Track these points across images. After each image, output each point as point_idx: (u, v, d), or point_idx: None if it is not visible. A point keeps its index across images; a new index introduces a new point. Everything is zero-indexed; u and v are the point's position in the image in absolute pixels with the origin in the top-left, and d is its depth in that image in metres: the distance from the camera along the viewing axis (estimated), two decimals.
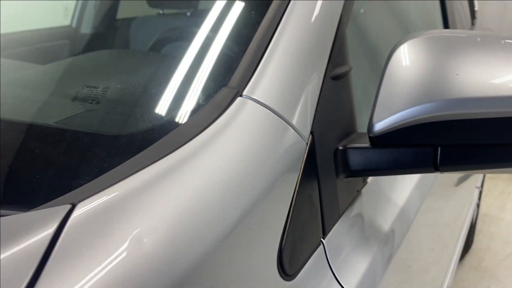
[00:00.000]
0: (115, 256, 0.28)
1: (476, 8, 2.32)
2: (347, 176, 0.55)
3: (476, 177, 1.39)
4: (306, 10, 0.56)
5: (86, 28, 1.91)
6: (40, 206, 0.31)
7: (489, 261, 2.42)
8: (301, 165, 0.47)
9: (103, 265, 0.27)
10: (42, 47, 1.67)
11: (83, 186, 0.33)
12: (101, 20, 1.92)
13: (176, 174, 0.35)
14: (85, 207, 0.30)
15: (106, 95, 0.51)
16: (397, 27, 1.11)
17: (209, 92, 0.46)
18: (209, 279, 0.33)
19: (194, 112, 0.44)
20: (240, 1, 0.77)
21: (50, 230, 0.28)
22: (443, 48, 0.52)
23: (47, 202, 0.31)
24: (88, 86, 0.53)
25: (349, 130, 0.58)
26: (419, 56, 0.51)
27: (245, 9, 0.71)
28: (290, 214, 0.44)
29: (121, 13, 1.79)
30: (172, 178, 0.34)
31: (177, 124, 0.42)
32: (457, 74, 0.48)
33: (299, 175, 0.46)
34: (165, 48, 0.86)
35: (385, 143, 0.51)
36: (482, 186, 2.71)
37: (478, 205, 2.46)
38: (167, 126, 0.44)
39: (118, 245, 0.28)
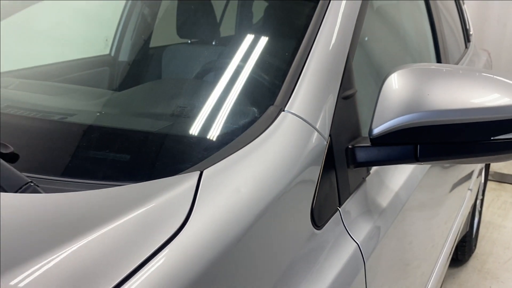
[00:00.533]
0: (230, 198, 0.50)
1: (470, 32, 2.53)
2: (355, 167, 0.77)
3: (467, 179, 1.59)
4: (326, 42, 0.80)
5: (124, 56, 2.15)
6: (182, 172, 0.54)
7: (491, 264, 2.58)
8: (323, 158, 0.69)
9: (224, 205, 0.50)
10: (87, 73, 1.91)
11: (203, 161, 0.56)
12: (137, 49, 2.17)
13: (250, 157, 0.58)
14: (208, 173, 0.53)
15: (191, 112, 0.74)
16: (394, 54, 1.34)
17: (261, 109, 0.69)
18: (276, 220, 0.55)
19: (252, 122, 0.67)
20: (261, 35, 1.01)
21: (193, 182, 0.51)
22: (421, 77, 0.74)
23: (182, 170, 0.54)
24: (179, 106, 0.76)
25: (355, 134, 0.80)
26: (405, 82, 0.74)
27: (273, 41, 0.95)
28: (317, 189, 0.66)
29: (154, 42, 2.04)
30: (250, 159, 0.57)
31: (244, 130, 0.65)
32: (428, 94, 0.70)
33: (322, 164, 0.69)
34: (210, 75, 1.08)
35: (380, 143, 0.73)
36: (483, 195, 2.89)
37: (477, 209, 2.64)
38: (236, 132, 0.66)
39: (230, 193, 0.51)
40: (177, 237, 0.45)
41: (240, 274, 0.50)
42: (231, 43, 1.46)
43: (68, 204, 0.51)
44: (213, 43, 1.80)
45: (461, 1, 2.45)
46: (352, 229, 0.70)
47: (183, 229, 0.46)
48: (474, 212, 2.40)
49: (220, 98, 0.75)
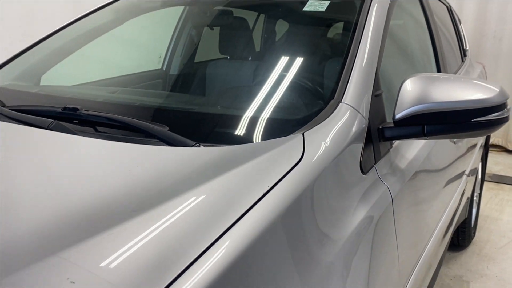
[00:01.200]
0: (320, 147, 0.90)
1: (467, 48, 2.93)
2: (383, 141, 1.15)
3: (465, 164, 1.97)
4: (363, 58, 1.20)
5: (174, 70, 2.54)
6: (295, 133, 0.93)
7: (489, 249, 2.95)
8: (365, 133, 1.08)
9: (318, 150, 0.89)
10: (145, 85, 2.30)
11: (301, 129, 0.95)
12: (184, 64, 2.55)
13: (325, 129, 0.97)
14: (306, 134, 0.92)
15: (290, 106, 1.16)
16: (405, 65, 1.75)
17: (325, 102, 1.09)
18: (344, 162, 0.95)
19: (319, 112, 1.06)
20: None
21: (300, 137, 0.90)
22: (426, 81, 1.13)
23: (294, 132, 0.94)
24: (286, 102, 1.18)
25: (383, 120, 1.19)
26: (415, 84, 1.13)
27: (325, 58, 1.36)
28: (362, 152, 1.05)
29: (198, 58, 2.44)
30: (324, 130, 0.97)
31: (318, 114, 1.04)
32: (431, 92, 1.09)
33: (364, 137, 1.08)
34: (276, 81, 1.47)
35: (400, 124, 1.12)
36: (481, 189, 3.26)
37: (475, 201, 3.01)
38: (313, 115, 1.05)
39: (320, 145, 0.91)
40: (298, 165, 0.84)
41: (330, 186, 0.89)
42: (283, 55, 1.78)
43: (226, 152, 0.90)
44: (249, 58, 2.20)
45: (457, 22, 2.86)
46: (383, 178, 1.09)
47: (301, 160, 0.85)
48: (472, 202, 2.76)
49: (298, 94, 1.16)
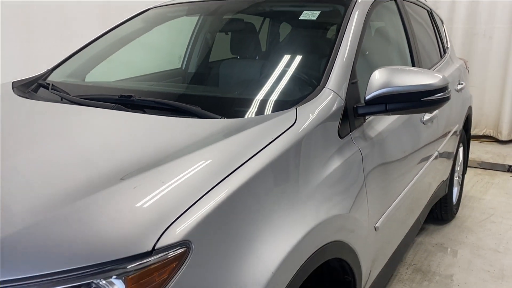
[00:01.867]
0: (309, 116, 1.30)
1: (447, 46, 3.31)
2: (357, 116, 1.54)
3: (434, 143, 2.36)
4: (344, 54, 1.60)
5: (191, 69, 2.94)
6: (290, 108, 1.32)
7: (469, 223, 3.33)
8: (342, 110, 1.48)
9: (309, 117, 1.28)
10: (166, 83, 2.68)
11: (296, 105, 1.34)
12: (200, 63, 2.94)
13: (312, 105, 1.37)
14: (299, 108, 1.32)
15: (287, 87, 1.57)
16: (382, 60, 2.15)
17: (313, 87, 1.49)
18: (326, 128, 1.35)
19: (308, 94, 1.46)
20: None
21: (294, 111, 1.29)
22: (390, 72, 1.52)
23: (290, 108, 1.33)
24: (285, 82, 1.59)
25: (357, 100, 1.59)
26: (382, 74, 1.52)
27: (312, 53, 1.77)
28: (340, 123, 1.45)
29: (212, 58, 2.83)
30: (312, 106, 1.36)
31: (308, 95, 1.44)
32: (392, 79, 1.48)
33: (341, 113, 1.47)
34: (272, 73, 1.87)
35: (369, 104, 1.51)
36: (464, 172, 3.63)
37: (457, 181, 3.38)
38: (304, 97, 1.45)
39: (309, 114, 1.30)
40: (291, 127, 1.25)
41: (314, 143, 1.29)
42: (282, 54, 2.14)
43: (243, 120, 1.31)
44: (256, 57, 2.60)
45: (439, 24, 3.24)
46: (356, 142, 1.49)
47: (294, 124, 1.26)
48: (452, 181, 3.13)
49: (293, 82, 1.56)
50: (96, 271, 0.76)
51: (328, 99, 1.46)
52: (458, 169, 3.37)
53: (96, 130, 1.41)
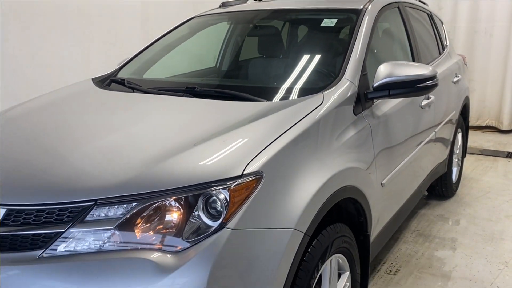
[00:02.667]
0: (332, 98, 1.78)
1: (446, 43, 3.77)
2: (368, 99, 2.01)
3: (430, 125, 2.84)
4: (357, 52, 2.09)
5: (224, 67, 3.43)
6: (317, 93, 1.81)
7: (467, 199, 3.79)
8: (356, 95, 1.96)
9: (332, 99, 1.76)
10: (202, 80, 3.16)
11: (322, 90, 1.83)
12: (231, 62, 3.42)
13: (334, 90, 1.85)
14: (325, 93, 1.81)
15: (315, 79, 2.06)
16: (388, 56, 2.63)
17: (334, 77, 1.98)
18: (344, 106, 1.84)
19: (331, 83, 1.95)
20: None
21: (321, 95, 1.78)
22: (393, 65, 1.99)
23: (317, 93, 1.81)
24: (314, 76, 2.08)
25: (367, 88, 2.05)
26: (386, 67, 1.99)
27: (332, 52, 2.26)
28: (354, 104, 1.92)
29: (242, 57, 3.32)
30: (334, 91, 1.83)
31: (331, 83, 1.92)
32: (394, 71, 1.95)
33: (355, 98, 1.95)
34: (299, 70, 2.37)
35: (376, 90, 1.98)
36: (464, 156, 4.08)
37: (456, 162, 3.84)
38: (327, 84, 1.93)
39: (334, 97, 1.79)
40: (319, 106, 1.73)
41: (334, 117, 1.78)
42: (309, 52, 2.63)
43: (284, 102, 1.80)
44: (280, 56, 3.08)
45: (438, 25, 3.70)
46: (366, 118, 1.98)
47: (321, 104, 1.74)
48: (451, 162, 3.59)
49: (320, 74, 2.06)
50: (212, 185, 1.27)
51: (345, 86, 1.95)
52: (458, 152, 3.83)
53: (171, 111, 1.92)
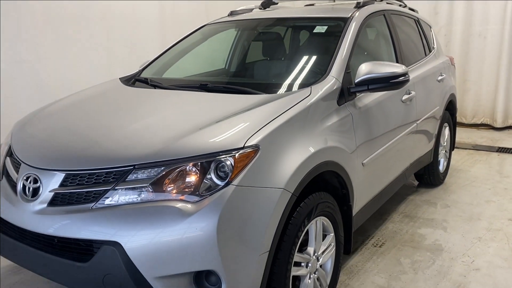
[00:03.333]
0: (319, 92, 2.20)
1: (434, 46, 4.16)
2: (350, 93, 2.42)
3: (411, 118, 3.23)
4: (342, 53, 2.50)
5: (233, 68, 3.86)
6: (305, 87, 2.24)
7: (453, 187, 4.17)
8: (339, 89, 2.37)
9: (318, 92, 2.20)
10: (215, 79, 3.60)
11: (311, 85, 2.25)
12: (239, 63, 3.85)
13: (321, 85, 2.26)
14: (313, 87, 2.23)
15: (306, 76, 2.48)
16: (371, 58, 3.04)
17: (322, 74, 2.39)
18: (330, 96, 2.25)
19: (320, 77, 2.36)
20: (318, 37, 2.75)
21: (309, 88, 2.23)
22: (372, 65, 2.41)
23: (306, 87, 2.23)
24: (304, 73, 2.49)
25: (350, 83, 2.45)
26: (366, 66, 2.40)
27: (323, 53, 2.68)
28: (338, 96, 2.33)
29: (248, 60, 3.75)
30: (321, 86, 2.25)
31: (319, 79, 2.33)
32: (373, 69, 2.36)
33: (339, 91, 2.36)
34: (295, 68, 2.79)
35: (357, 85, 2.39)
36: (452, 149, 4.46)
37: (444, 154, 4.22)
38: (316, 81, 2.35)
39: (319, 91, 2.21)
40: (307, 97, 2.14)
41: (320, 106, 2.19)
42: (301, 54, 3.08)
43: (279, 94, 2.21)
44: (282, 59, 3.50)
45: (425, 29, 4.08)
46: (348, 109, 2.38)
47: (309, 95, 2.15)
48: (437, 153, 3.97)
49: (309, 71, 2.48)
50: (221, 154, 1.70)
51: (331, 82, 2.36)
52: (445, 144, 4.21)
53: (188, 102, 2.35)
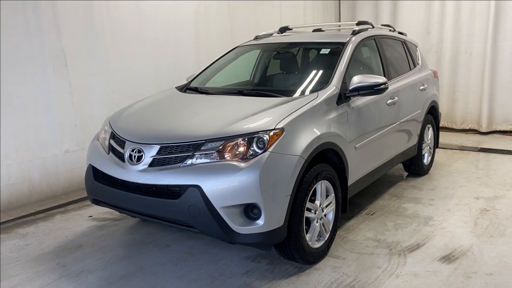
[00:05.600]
0: (323, 96, 3.19)
1: (418, 61, 5.14)
2: (346, 97, 3.38)
3: (394, 119, 4.21)
4: (340, 69, 3.49)
5: (256, 80, 4.87)
6: (313, 93, 3.23)
7: (436, 177, 5.10)
8: (337, 94, 3.34)
9: (321, 96, 3.18)
10: (246, 87, 4.60)
11: (317, 91, 3.23)
12: (261, 76, 4.87)
13: (324, 91, 3.24)
14: (320, 92, 3.22)
15: (311, 85, 3.46)
16: (363, 72, 4.03)
17: (325, 84, 3.38)
18: (330, 99, 3.24)
19: (324, 87, 3.34)
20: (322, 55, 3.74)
21: (317, 93, 3.22)
22: (363, 77, 3.38)
23: (314, 92, 3.22)
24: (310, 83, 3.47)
25: (345, 90, 3.39)
26: (358, 78, 3.37)
27: (326, 68, 3.69)
28: (337, 100, 3.30)
29: (269, 73, 4.76)
30: (324, 92, 3.24)
31: (323, 88, 3.31)
32: (363, 80, 3.33)
33: (337, 96, 3.32)
34: (305, 80, 3.79)
35: (351, 91, 3.36)
36: (435, 147, 5.40)
37: (428, 150, 5.17)
38: (320, 89, 3.33)
39: (321, 96, 3.19)
40: (315, 99, 3.12)
41: (324, 105, 3.17)
42: (310, 69, 4.09)
43: (293, 97, 3.19)
44: (295, 72, 4.51)
45: (411, 48, 5.06)
46: (345, 107, 3.35)
47: (317, 98, 3.13)
48: (421, 148, 4.93)
49: (316, 82, 3.47)
50: (260, 133, 2.68)
51: (332, 89, 3.34)
52: (429, 142, 5.16)
53: (230, 103, 3.35)
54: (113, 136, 3.16)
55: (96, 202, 3.18)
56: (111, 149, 3.11)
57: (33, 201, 4.39)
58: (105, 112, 4.68)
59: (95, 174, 3.11)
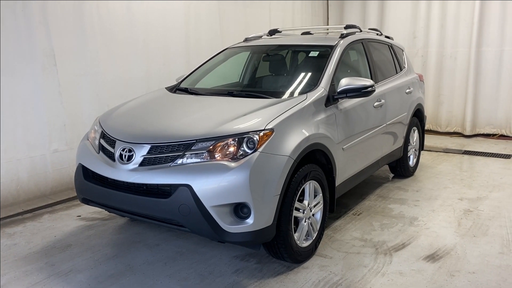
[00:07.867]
0: (311, 98, 3.24)
1: (405, 65, 5.24)
2: (334, 99, 3.44)
3: (383, 119, 4.29)
4: (328, 71, 3.56)
5: (245, 81, 4.92)
6: (303, 94, 3.27)
7: (421, 178, 5.20)
8: (326, 96, 3.41)
9: (310, 98, 3.24)
10: (236, 88, 4.65)
11: (306, 92, 3.28)
12: (250, 78, 4.91)
13: (313, 93, 3.30)
14: (309, 94, 3.27)
15: (300, 86, 3.52)
16: (351, 74, 4.11)
17: (313, 86, 3.44)
18: (318, 101, 3.30)
19: (313, 89, 3.40)
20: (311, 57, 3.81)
21: (306, 95, 3.27)
22: (350, 79, 3.45)
23: (304, 93, 3.28)
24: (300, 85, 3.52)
25: (334, 92, 3.46)
26: (346, 80, 3.44)
27: (314, 60, 3.76)
28: (325, 101, 3.36)
29: (258, 75, 4.81)
30: (313, 94, 3.30)
31: (311, 90, 3.37)
32: (351, 83, 3.40)
33: (325, 98, 3.39)
34: (293, 82, 3.85)
35: (339, 93, 3.42)
36: (420, 148, 5.51)
37: (413, 152, 5.27)
38: (309, 91, 3.39)
39: (310, 97, 3.26)
40: (304, 101, 3.17)
41: (313, 107, 3.23)
42: (299, 72, 4.16)
43: (283, 98, 3.25)
44: (284, 74, 4.56)
45: (397, 52, 5.16)
46: (334, 109, 3.42)
47: (306, 99, 3.19)
48: (406, 150, 5.03)
49: (305, 84, 3.52)
50: (250, 133, 2.72)
51: (320, 91, 3.41)
52: (414, 144, 5.26)
53: (220, 104, 3.38)
54: (103, 135, 3.18)
55: (86, 201, 3.18)
56: (101, 148, 3.13)
57: (20, 201, 4.37)
58: (94, 112, 4.68)
59: (85, 174, 3.12)
